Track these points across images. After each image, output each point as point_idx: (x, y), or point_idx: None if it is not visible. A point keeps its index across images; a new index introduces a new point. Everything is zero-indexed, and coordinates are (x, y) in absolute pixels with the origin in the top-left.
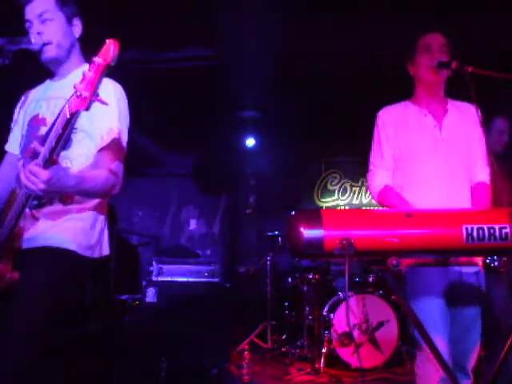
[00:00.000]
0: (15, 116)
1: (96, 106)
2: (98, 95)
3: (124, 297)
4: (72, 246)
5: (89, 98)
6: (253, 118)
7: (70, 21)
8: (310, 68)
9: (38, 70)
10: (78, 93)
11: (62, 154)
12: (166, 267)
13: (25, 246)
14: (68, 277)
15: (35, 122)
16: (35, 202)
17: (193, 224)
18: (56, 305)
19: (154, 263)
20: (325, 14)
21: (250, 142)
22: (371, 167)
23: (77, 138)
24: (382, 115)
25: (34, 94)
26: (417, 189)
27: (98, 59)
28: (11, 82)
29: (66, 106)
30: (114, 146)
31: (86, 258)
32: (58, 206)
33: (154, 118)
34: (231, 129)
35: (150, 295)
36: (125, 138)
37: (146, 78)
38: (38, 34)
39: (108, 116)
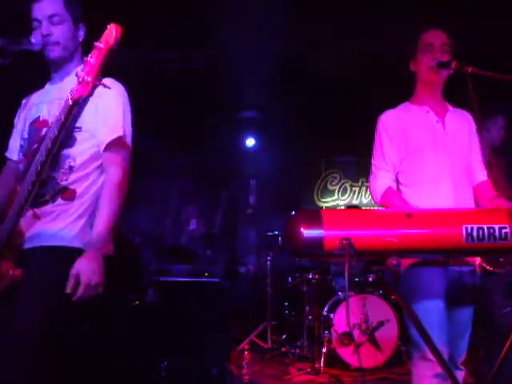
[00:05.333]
0: (15, 122)
1: (101, 106)
2: (100, 80)
3: (124, 297)
4: (76, 243)
5: (91, 82)
6: (253, 118)
7: (76, 24)
8: (310, 68)
9: (38, 75)
10: (80, 79)
11: (66, 152)
12: (165, 267)
13: (28, 245)
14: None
15: (37, 124)
16: (38, 200)
17: (193, 224)
18: (60, 305)
19: (153, 263)
20: (325, 14)
21: (250, 141)
22: (373, 169)
23: (81, 137)
24: (383, 119)
25: (34, 98)
26: (423, 185)
27: (99, 44)
28: (12, 87)
29: (69, 94)
30: (119, 144)
31: None
32: (60, 203)
33: (154, 118)
34: (231, 129)
35: (150, 295)
36: (129, 137)
37: (146, 78)
38: (48, 35)
39: (112, 116)
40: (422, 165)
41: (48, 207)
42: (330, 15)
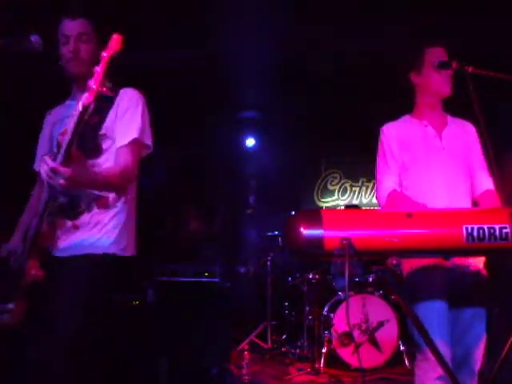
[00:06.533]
0: (41, 137)
1: (120, 112)
2: (103, 86)
3: (124, 296)
4: (112, 249)
5: (95, 89)
6: (253, 118)
7: (98, 45)
8: (309, 68)
9: (55, 91)
10: (88, 87)
11: (93, 161)
12: (166, 267)
13: (68, 253)
14: (109, 282)
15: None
16: (75, 211)
17: (194, 223)
18: (97, 311)
19: (154, 263)
20: (325, 14)
21: (250, 141)
22: (378, 175)
23: (106, 145)
24: (385, 131)
25: (58, 113)
26: (421, 198)
27: (103, 54)
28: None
29: (80, 102)
30: (133, 144)
31: (123, 259)
32: (95, 212)
33: (155, 118)
34: (231, 129)
35: (150, 295)
36: (148, 137)
37: (146, 78)
38: (75, 51)
39: (130, 120)
40: (416, 179)
41: (85, 217)
42: (330, 15)
